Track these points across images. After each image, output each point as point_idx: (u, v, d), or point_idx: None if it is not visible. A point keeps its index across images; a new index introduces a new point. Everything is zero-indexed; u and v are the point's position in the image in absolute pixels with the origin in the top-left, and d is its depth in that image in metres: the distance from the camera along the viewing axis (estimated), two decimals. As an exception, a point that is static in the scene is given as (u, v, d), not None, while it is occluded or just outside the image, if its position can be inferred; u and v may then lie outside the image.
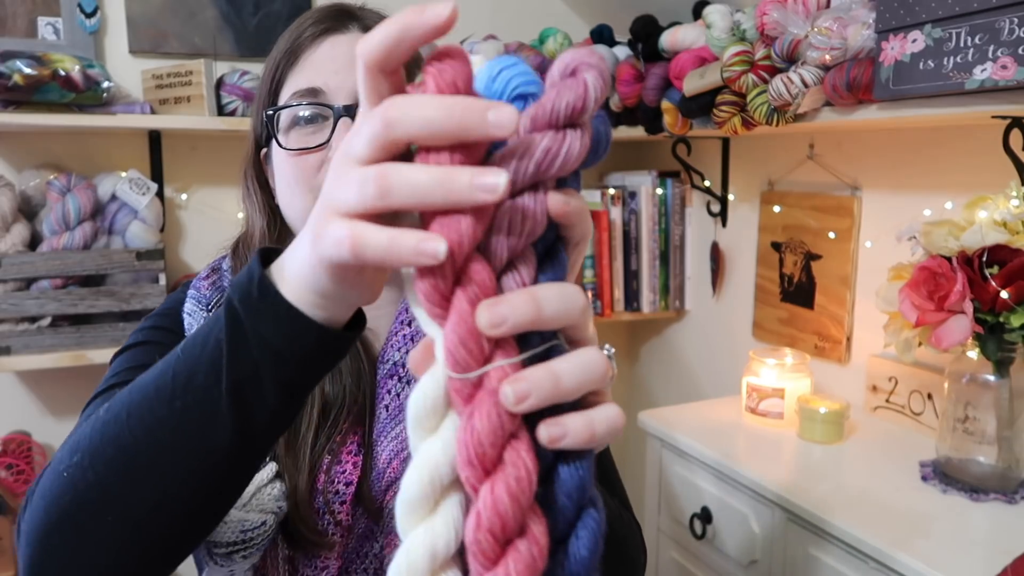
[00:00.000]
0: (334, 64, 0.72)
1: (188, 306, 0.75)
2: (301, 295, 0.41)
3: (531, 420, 0.34)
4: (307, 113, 0.71)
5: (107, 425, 0.47)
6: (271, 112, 0.72)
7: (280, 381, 0.43)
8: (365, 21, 0.75)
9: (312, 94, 0.71)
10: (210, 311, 0.74)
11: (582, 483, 0.35)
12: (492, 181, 0.33)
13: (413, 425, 0.35)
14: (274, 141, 0.73)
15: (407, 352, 0.73)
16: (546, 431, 0.34)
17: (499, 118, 0.33)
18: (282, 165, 0.73)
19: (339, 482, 0.70)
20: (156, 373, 0.47)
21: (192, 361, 0.45)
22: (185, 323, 0.74)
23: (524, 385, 0.33)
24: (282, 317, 0.42)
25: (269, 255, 0.45)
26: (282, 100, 0.73)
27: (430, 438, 0.35)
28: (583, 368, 0.35)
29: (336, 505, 0.69)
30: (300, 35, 0.74)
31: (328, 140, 0.70)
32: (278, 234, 0.78)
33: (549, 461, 0.35)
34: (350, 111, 0.70)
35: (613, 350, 0.38)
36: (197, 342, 0.45)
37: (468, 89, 0.35)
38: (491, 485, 0.32)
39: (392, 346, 0.74)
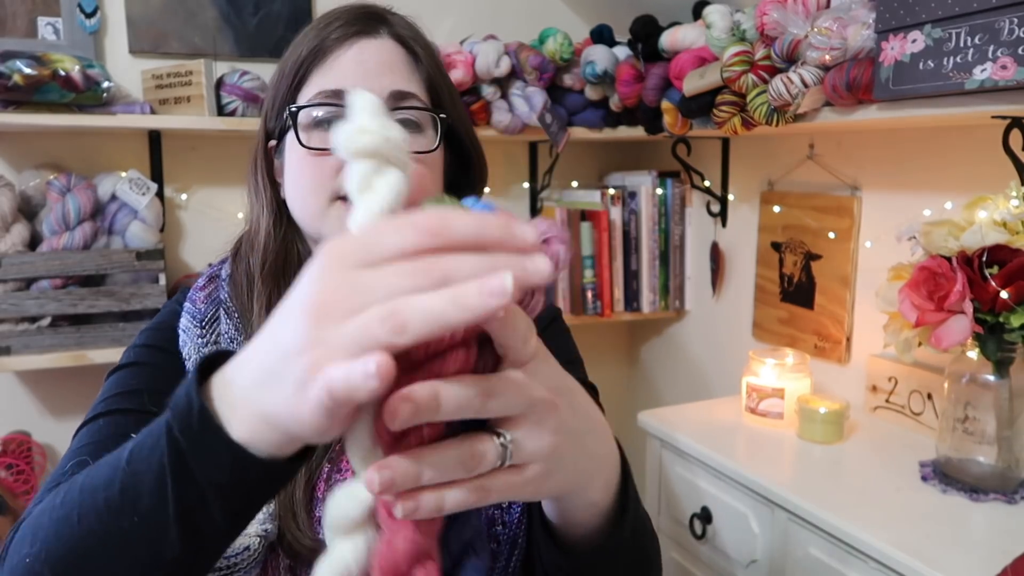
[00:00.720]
0: (363, 68, 0.72)
1: (183, 321, 0.75)
2: (259, 435, 0.40)
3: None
4: (332, 115, 0.71)
5: (60, 523, 0.47)
6: (295, 109, 0.72)
7: (228, 510, 0.43)
8: (395, 28, 0.75)
9: (338, 96, 0.71)
10: (203, 327, 0.73)
11: None
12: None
13: (330, 526, 0.39)
14: (292, 137, 0.72)
15: None
16: (402, 506, 0.37)
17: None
18: (299, 163, 0.73)
19: None
20: (104, 479, 0.46)
21: (137, 480, 0.43)
22: (180, 340, 0.73)
23: (388, 474, 0.37)
24: (229, 457, 0.41)
25: (212, 363, 0.44)
26: (305, 97, 0.73)
27: (344, 539, 0.39)
28: (444, 463, 0.38)
29: None
30: (328, 34, 0.73)
31: None
32: (283, 233, 0.77)
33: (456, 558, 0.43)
34: None
35: (510, 439, 0.40)
36: (142, 455, 0.44)
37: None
38: None
39: None
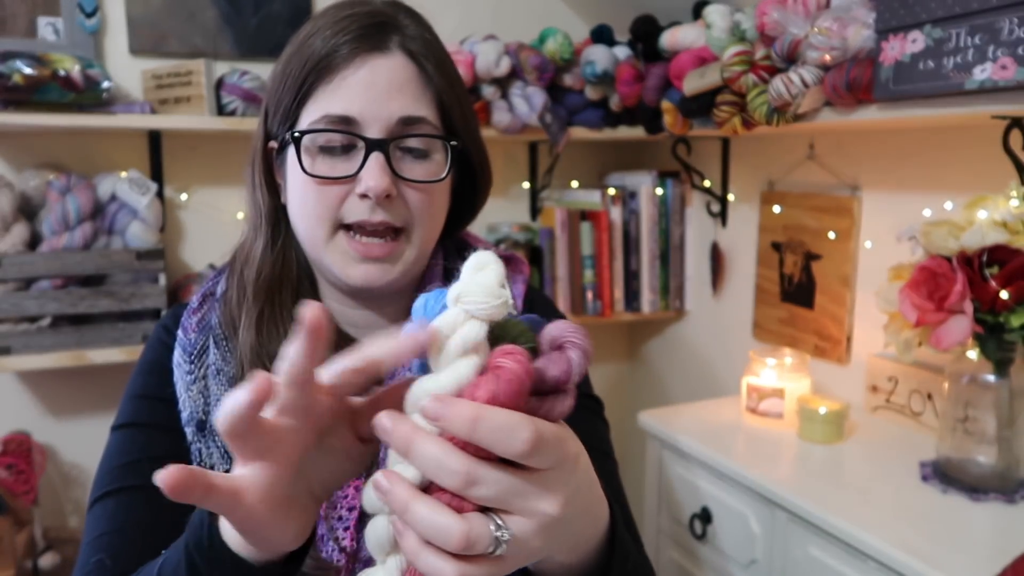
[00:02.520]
0: (372, 91, 0.68)
1: (176, 355, 0.73)
2: (245, 548, 0.48)
3: None
4: (338, 143, 0.69)
5: None
6: (298, 135, 0.69)
7: None
8: (406, 41, 0.71)
9: (345, 122, 0.68)
10: (193, 362, 0.72)
11: None
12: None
13: (372, 549, 0.45)
14: (294, 156, 0.70)
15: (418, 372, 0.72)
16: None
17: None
18: (303, 188, 0.70)
19: (342, 507, 0.68)
20: None
21: None
22: (174, 376, 0.73)
23: (386, 484, 0.43)
24: (233, 567, 0.49)
25: None
26: (309, 116, 0.70)
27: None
28: (432, 524, 0.41)
29: (340, 531, 0.68)
30: (337, 48, 0.69)
31: (357, 172, 0.68)
32: (282, 241, 0.75)
33: None
34: (383, 146, 0.68)
35: (507, 537, 0.42)
36: (168, 570, 0.53)
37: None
38: None
39: (403, 366, 0.73)
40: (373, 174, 0.67)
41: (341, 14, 0.71)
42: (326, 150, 0.69)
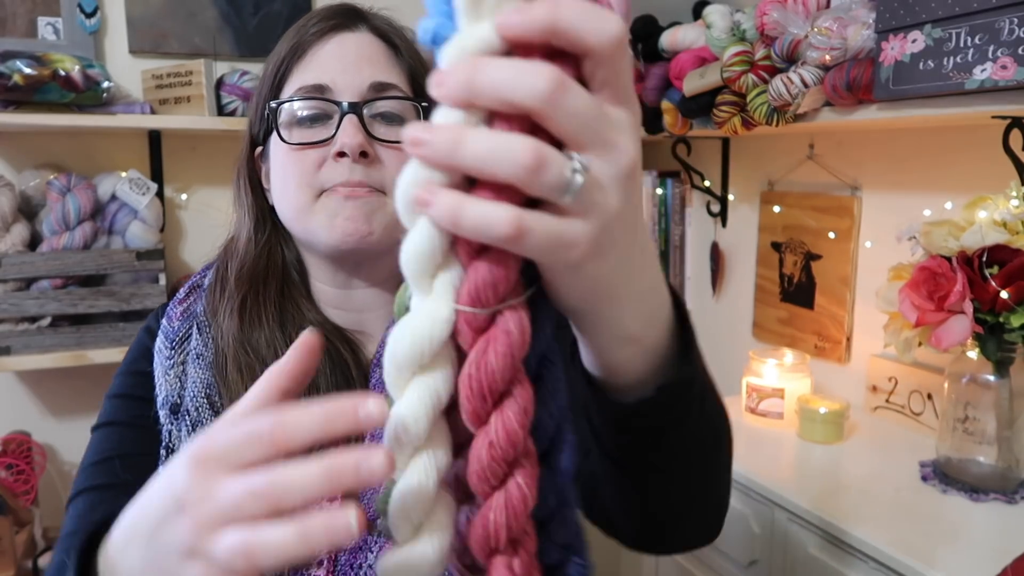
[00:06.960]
0: (342, 62, 0.71)
1: (158, 342, 0.74)
2: None
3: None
4: (312, 111, 0.71)
5: None
6: (275, 105, 0.71)
7: None
8: (374, 23, 0.75)
9: (318, 90, 0.71)
10: (173, 348, 0.72)
11: (561, 412, 0.39)
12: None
13: (402, 364, 0.35)
14: (274, 135, 0.72)
15: None
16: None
17: (368, 413, 0.36)
18: (283, 161, 0.72)
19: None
20: None
21: None
22: (154, 362, 0.73)
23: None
24: None
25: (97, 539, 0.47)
26: (286, 95, 0.72)
27: (423, 375, 0.35)
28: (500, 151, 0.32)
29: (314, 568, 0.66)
30: (307, 32, 0.73)
31: (332, 136, 0.70)
32: (266, 237, 0.77)
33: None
34: (356, 108, 0.70)
35: (584, 164, 0.33)
36: None
37: None
38: (502, 413, 0.34)
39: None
40: (347, 132, 0.69)
41: (310, 13, 0.76)
42: (303, 121, 0.71)
